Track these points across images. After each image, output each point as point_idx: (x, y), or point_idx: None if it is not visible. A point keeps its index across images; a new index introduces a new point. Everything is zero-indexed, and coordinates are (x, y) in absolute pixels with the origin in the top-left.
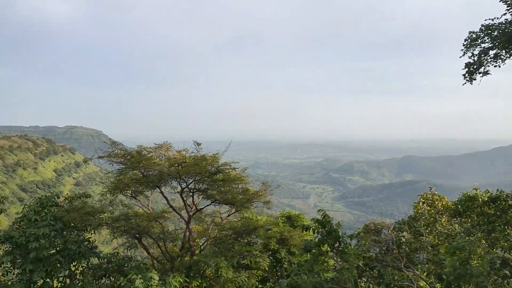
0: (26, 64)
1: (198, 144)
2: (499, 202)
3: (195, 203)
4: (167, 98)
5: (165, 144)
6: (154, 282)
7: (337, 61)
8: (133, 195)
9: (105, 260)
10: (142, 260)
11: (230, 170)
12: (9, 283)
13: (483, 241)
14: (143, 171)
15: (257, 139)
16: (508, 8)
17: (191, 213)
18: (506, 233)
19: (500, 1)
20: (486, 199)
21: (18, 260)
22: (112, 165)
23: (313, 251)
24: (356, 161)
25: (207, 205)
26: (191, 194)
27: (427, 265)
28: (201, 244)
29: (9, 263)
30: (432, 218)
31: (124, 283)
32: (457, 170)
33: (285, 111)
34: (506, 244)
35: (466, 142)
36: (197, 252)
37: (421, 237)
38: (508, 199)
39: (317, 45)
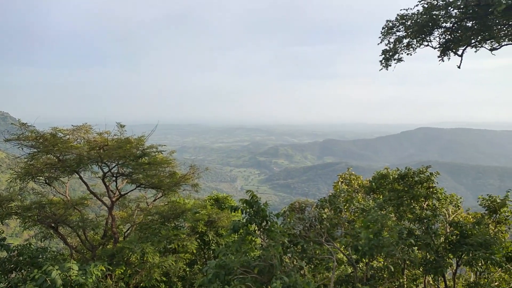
0: None
1: (122, 126)
2: (407, 178)
3: (118, 188)
4: (93, 79)
5: (84, 126)
6: (73, 273)
7: (271, 46)
8: (48, 181)
9: (16, 252)
10: (59, 251)
11: (156, 153)
12: None
13: (393, 214)
14: (58, 155)
15: (185, 123)
16: (420, 0)
17: (114, 199)
18: (412, 206)
19: None
20: (396, 176)
21: None
22: (22, 149)
23: (241, 231)
24: (281, 145)
25: (132, 190)
26: (114, 179)
27: (345, 239)
28: (125, 230)
29: None
30: (349, 196)
31: (38, 276)
32: (371, 152)
33: (220, 95)
34: (411, 216)
35: (380, 126)
36: (120, 239)
37: (340, 213)
38: (415, 176)
39: (258, 30)
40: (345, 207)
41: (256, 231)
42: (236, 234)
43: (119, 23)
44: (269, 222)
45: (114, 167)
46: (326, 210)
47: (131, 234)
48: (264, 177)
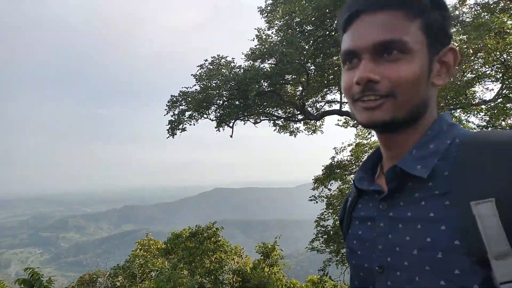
0: None
1: None
2: (197, 235)
3: None
4: None
5: None
6: None
7: (64, 104)
8: None
9: None
10: None
11: None
12: None
13: (185, 271)
14: None
15: None
16: (197, 81)
17: None
18: (203, 261)
19: (191, 75)
20: (188, 234)
21: None
22: None
23: None
24: (71, 216)
25: None
26: None
27: None
28: None
29: None
30: (145, 259)
31: None
32: (172, 215)
33: None
34: (202, 270)
35: (180, 188)
36: None
37: (135, 279)
38: (204, 232)
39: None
40: (141, 271)
41: None
42: None
43: None
44: None
45: None
46: (120, 278)
47: None
48: (49, 256)
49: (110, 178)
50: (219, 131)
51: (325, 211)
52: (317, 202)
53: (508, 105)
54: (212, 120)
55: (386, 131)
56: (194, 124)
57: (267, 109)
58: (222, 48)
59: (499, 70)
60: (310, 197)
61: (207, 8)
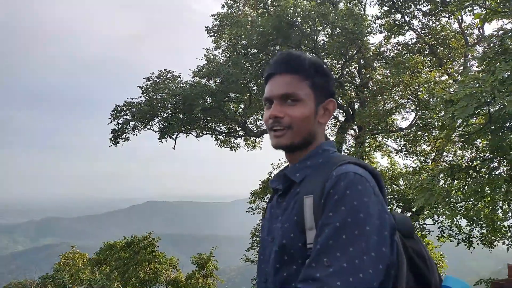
0: None
1: None
2: (132, 245)
3: None
4: None
5: None
6: None
7: None
8: None
9: None
10: None
11: None
12: None
13: (117, 282)
14: None
15: None
16: (143, 93)
17: None
18: (137, 271)
19: (137, 86)
20: (123, 245)
21: None
22: None
23: None
24: None
25: None
26: None
27: None
28: None
29: None
30: (76, 269)
31: None
32: (99, 229)
33: None
34: (136, 281)
35: (109, 200)
36: None
37: None
38: (140, 243)
39: None
40: (71, 281)
41: None
42: None
43: None
44: None
45: None
46: (49, 286)
47: None
48: None
49: (30, 188)
50: (162, 142)
51: (261, 222)
52: (254, 213)
53: (419, 133)
54: (156, 132)
55: (288, 151)
56: (137, 134)
57: (210, 123)
58: (158, 62)
59: (413, 103)
60: (248, 208)
61: (140, 22)
